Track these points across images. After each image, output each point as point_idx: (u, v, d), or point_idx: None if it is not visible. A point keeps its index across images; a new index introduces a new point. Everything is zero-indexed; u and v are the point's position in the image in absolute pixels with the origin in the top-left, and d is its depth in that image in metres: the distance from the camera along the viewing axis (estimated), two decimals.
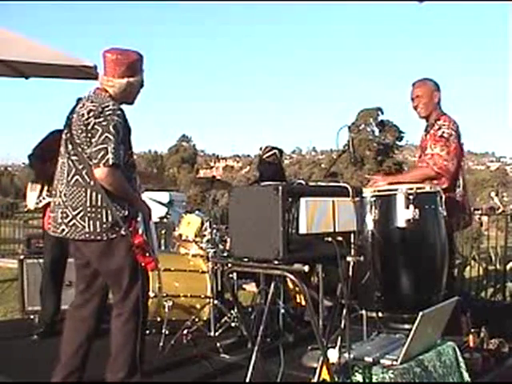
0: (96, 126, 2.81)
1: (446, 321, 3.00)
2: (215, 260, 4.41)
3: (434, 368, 2.83)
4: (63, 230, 2.90)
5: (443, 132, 3.99)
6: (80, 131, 2.86)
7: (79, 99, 3.03)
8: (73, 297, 3.20)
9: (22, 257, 4.99)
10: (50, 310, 4.33)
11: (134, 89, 3.03)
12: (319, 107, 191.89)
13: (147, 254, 2.89)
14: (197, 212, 4.85)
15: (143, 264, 2.90)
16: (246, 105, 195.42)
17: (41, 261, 4.56)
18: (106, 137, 2.79)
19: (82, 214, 2.84)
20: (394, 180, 4.03)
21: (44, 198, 4.29)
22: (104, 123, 2.81)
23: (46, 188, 4.29)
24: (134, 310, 2.93)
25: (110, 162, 2.78)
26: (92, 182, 2.84)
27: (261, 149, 5.21)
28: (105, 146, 2.78)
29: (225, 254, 4.38)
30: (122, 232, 2.85)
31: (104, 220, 2.84)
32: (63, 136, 3.00)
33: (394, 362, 2.68)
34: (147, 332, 3.89)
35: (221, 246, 4.57)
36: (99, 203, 2.84)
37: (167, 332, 4.02)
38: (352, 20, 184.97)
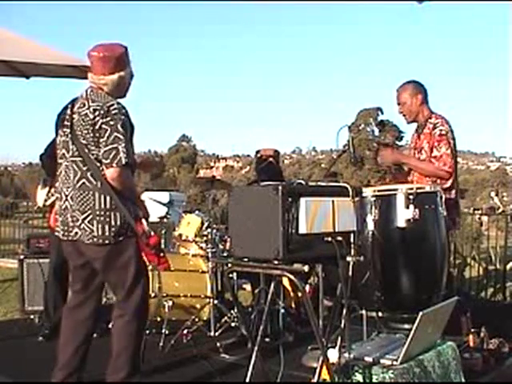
0: (104, 126, 2.78)
1: (446, 321, 3.00)
2: (215, 260, 4.40)
3: (433, 368, 2.82)
4: (76, 233, 2.86)
5: (441, 130, 3.97)
6: (86, 132, 2.82)
7: (74, 100, 2.99)
8: None
9: (22, 257, 4.98)
10: (56, 311, 4.24)
11: (126, 82, 3.00)
12: (319, 107, 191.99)
13: (161, 254, 2.89)
14: (197, 212, 4.84)
15: (156, 264, 2.89)
16: (246, 105, 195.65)
17: (41, 261, 4.53)
18: (116, 136, 2.77)
19: (90, 217, 2.81)
20: (402, 159, 4.19)
21: (52, 195, 4.22)
22: (112, 122, 2.79)
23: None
24: (137, 311, 2.91)
25: (123, 161, 2.77)
26: (99, 185, 2.82)
27: (257, 152, 5.19)
28: (115, 145, 2.77)
29: (225, 254, 4.37)
30: (129, 233, 2.83)
31: (113, 223, 2.81)
32: (61, 138, 2.96)
33: (394, 362, 2.67)
34: (147, 332, 3.92)
35: (221, 246, 4.56)
36: (108, 206, 2.81)
37: (167, 332, 4.01)
38: (352, 20, 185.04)
